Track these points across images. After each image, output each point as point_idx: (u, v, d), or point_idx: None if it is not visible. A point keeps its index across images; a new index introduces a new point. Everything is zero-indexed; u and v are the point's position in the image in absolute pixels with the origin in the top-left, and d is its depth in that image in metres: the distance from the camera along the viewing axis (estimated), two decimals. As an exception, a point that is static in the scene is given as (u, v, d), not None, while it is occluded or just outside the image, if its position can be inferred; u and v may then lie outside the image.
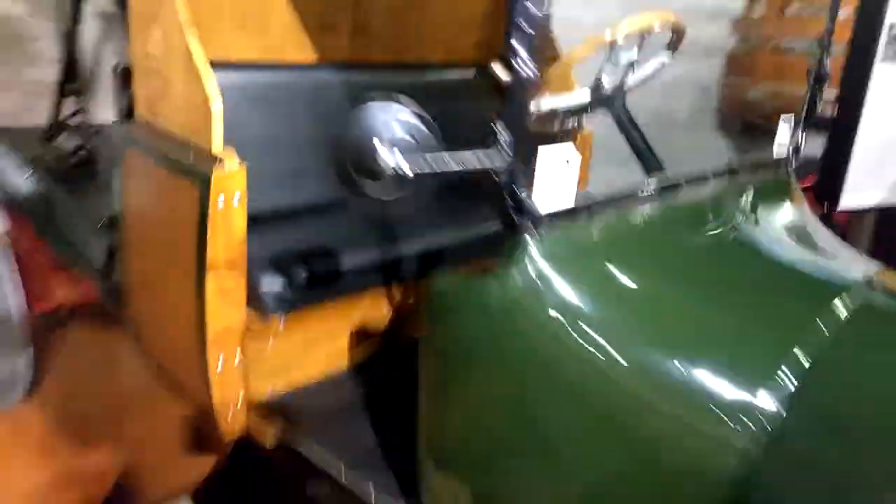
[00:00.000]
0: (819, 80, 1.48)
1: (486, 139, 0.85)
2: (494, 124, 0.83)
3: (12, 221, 2.51)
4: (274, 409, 1.44)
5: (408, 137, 0.90)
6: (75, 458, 2.29)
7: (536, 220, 0.90)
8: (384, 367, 1.61)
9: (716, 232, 1.15)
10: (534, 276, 0.91)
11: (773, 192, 1.38)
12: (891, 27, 2.38)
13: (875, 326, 0.98)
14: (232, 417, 1.41)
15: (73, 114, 2.48)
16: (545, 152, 0.87)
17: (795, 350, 0.89)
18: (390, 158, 0.83)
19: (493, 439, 1.00)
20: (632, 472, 0.92)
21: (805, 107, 1.49)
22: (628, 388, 0.90)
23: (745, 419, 0.87)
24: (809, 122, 1.51)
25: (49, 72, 3.72)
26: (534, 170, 0.87)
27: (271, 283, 1.39)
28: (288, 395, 1.49)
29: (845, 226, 2.90)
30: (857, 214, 2.78)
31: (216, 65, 1.28)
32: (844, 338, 0.92)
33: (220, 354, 1.36)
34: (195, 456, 1.66)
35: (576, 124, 1.93)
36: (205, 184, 1.24)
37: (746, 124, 4.61)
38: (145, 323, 1.62)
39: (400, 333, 1.66)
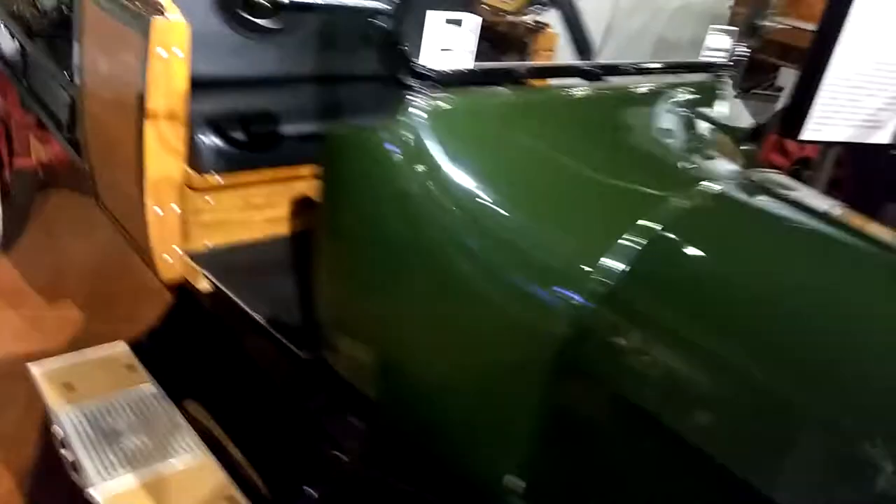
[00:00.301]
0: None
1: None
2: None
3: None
4: (209, 261, 1.55)
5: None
6: (43, 307, 2.44)
7: (421, 77, 0.96)
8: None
9: (615, 119, 1.22)
10: (409, 133, 0.98)
11: (696, 93, 1.43)
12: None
13: (723, 213, 1.07)
14: (168, 262, 1.52)
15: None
16: (433, 15, 0.93)
17: (640, 223, 0.97)
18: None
19: (368, 288, 1.10)
20: (477, 326, 1.02)
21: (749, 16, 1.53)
22: (478, 247, 0.99)
23: (580, 281, 0.96)
24: (749, 34, 1.55)
25: None
26: (422, 29, 0.93)
27: (210, 141, 1.47)
28: (225, 251, 1.60)
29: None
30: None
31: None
32: (691, 218, 1.00)
33: (158, 201, 1.45)
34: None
35: (540, 24, 1.95)
36: (147, 32, 1.30)
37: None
38: (100, 176, 1.71)
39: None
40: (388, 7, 0.93)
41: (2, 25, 2.28)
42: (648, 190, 1.06)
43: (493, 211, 1.00)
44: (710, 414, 0.90)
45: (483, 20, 0.97)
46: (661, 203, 1.01)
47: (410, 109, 0.97)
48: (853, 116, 2.65)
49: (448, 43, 0.96)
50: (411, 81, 0.96)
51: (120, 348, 1.63)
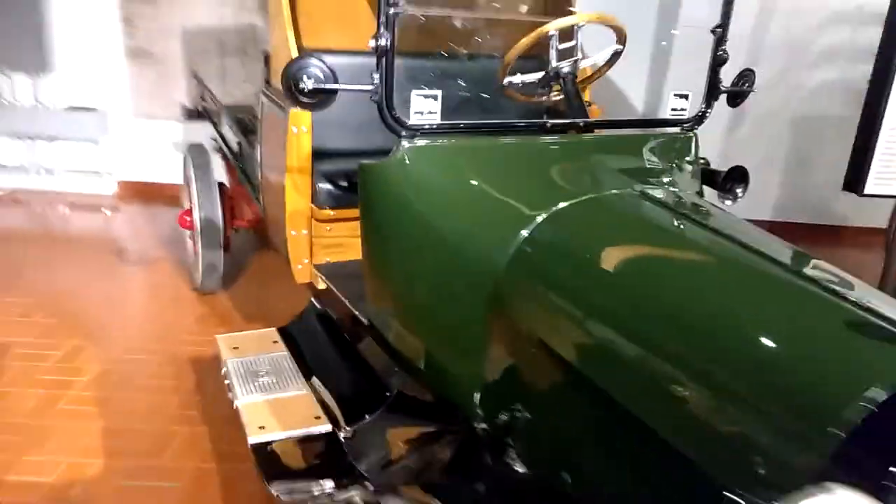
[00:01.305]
0: (717, 63, 1.96)
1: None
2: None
3: (227, 167, 3.73)
4: (326, 270, 2.29)
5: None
6: (244, 325, 3.38)
7: (407, 129, 1.62)
8: None
9: (582, 157, 1.76)
10: (402, 168, 1.63)
11: (661, 145, 1.91)
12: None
13: (607, 205, 1.56)
14: (299, 270, 2.29)
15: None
16: (418, 94, 1.60)
17: (537, 217, 1.52)
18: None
19: (385, 257, 1.75)
20: (448, 276, 1.62)
21: (707, 84, 1.98)
22: (444, 227, 1.60)
23: (501, 250, 1.52)
24: (711, 96, 1.99)
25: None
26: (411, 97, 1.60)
27: (324, 188, 2.24)
28: (338, 264, 2.34)
29: None
30: None
31: (315, 51, 2.15)
32: (564, 211, 1.52)
33: (294, 228, 2.24)
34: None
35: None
36: (287, 118, 2.12)
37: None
38: (268, 219, 2.57)
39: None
40: (374, 88, 1.60)
41: (227, 126, 3.37)
42: (557, 198, 1.60)
43: (451, 204, 1.62)
44: (571, 333, 1.40)
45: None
46: (553, 206, 1.55)
47: (401, 148, 1.63)
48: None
49: (423, 108, 1.62)
50: (403, 132, 1.63)
51: (271, 331, 2.42)
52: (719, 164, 2.09)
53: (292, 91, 1.57)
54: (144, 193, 5.30)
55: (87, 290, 3.74)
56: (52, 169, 5.27)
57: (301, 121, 2.13)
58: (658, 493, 1.20)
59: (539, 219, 1.52)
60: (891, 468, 0.90)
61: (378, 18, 1.53)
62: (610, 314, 1.32)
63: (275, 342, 2.37)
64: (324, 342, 2.32)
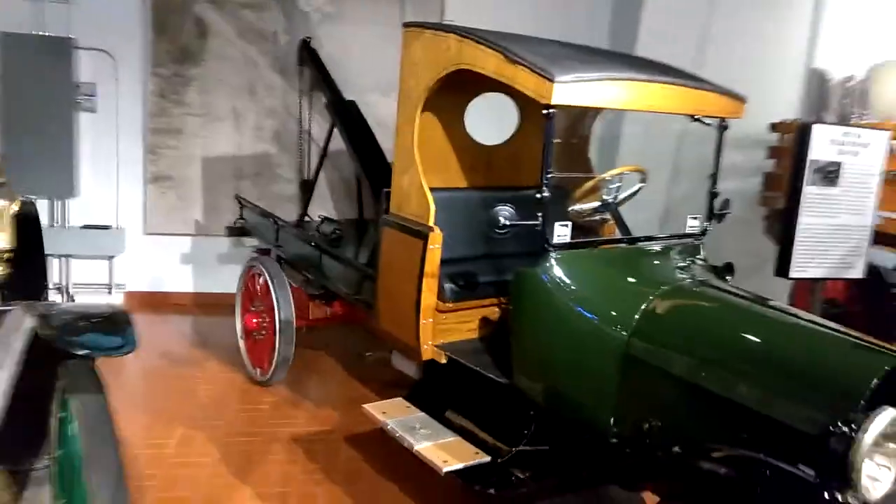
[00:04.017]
0: (712, 197, 3.05)
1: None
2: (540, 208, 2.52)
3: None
4: (445, 348, 3.09)
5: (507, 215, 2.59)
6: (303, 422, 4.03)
7: (553, 245, 2.54)
8: (497, 336, 3.24)
9: (646, 259, 2.75)
10: (548, 268, 2.54)
11: (684, 248, 2.94)
12: (811, 163, 3.86)
13: (677, 293, 2.54)
14: (426, 348, 3.07)
15: (322, 219, 4.43)
16: (559, 224, 2.54)
17: (653, 293, 2.47)
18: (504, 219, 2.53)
19: (538, 352, 2.62)
20: (581, 359, 2.51)
21: (707, 210, 3.07)
22: (583, 317, 2.51)
23: (624, 325, 2.44)
24: (710, 218, 3.07)
25: (286, 187, 5.91)
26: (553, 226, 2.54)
27: (448, 287, 3.09)
28: (451, 345, 3.14)
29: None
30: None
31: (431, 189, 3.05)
32: (662, 296, 2.48)
33: (425, 317, 3.04)
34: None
35: (605, 219, 3.55)
36: (426, 238, 2.97)
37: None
38: (383, 310, 3.34)
39: (504, 320, 3.30)
40: (539, 222, 2.54)
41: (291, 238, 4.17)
42: (650, 289, 2.55)
43: (583, 295, 2.53)
44: (690, 363, 2.31)
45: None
46: (654, 292, 2.50)
47: (550, 259, 2.55)
48: (826, 261, 4.02)
49: (562, 232, 2.56)
50: (549, 247, 2.55)
51: (399, 399, 3.16)
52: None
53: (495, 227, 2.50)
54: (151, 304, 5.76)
55: (163, 387, 4.25)
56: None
57: (436, 238, 2.97)
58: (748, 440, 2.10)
59: (649, 299, 2.46)
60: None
61: (541, 182, 2.50)
62: (710, 348, 2.26)
63: (408, 407, 3.12)
64: (445, 404, 3.10)
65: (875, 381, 1.90)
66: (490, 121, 3.83)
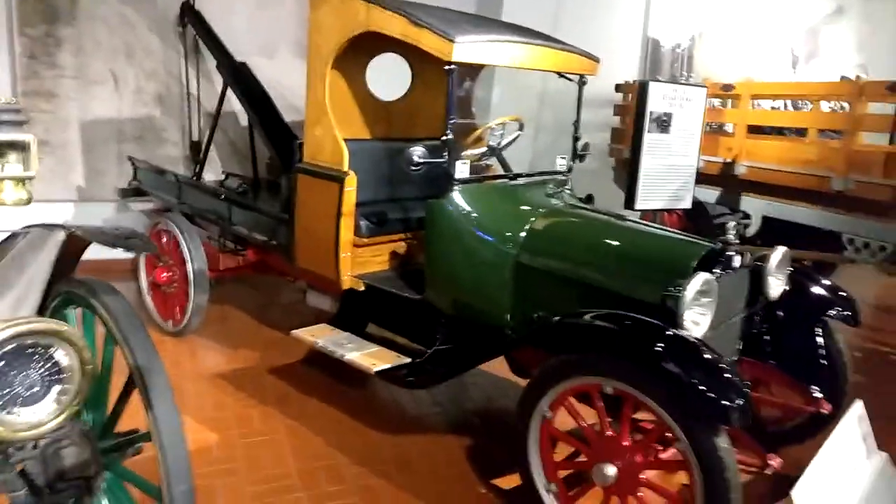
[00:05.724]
0: (575, 139, 3.73)
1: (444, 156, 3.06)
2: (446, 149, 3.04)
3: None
4: (363, 277, 3.56)
5: (420, 153, 3.09)
6: (225, 363, 4.36)
7: (456, 180, 3.08)
8: (405, 265, 3.75)
9: (527, 191, 3.37)
10: (453, 199, 3.09)
11: (555, 182, 3.59)
12: (650, 113, 4.68)
13: (560, 212, 3.19)
14: (346, 279, 3.53)
15: (226, 175, 4.69)
16: (459, 162, 3.07)
17: (534, 216, 3.09)
18: (418, 157, 3.03)
19: (447, 269, 3.17)
20: (482, 271, 3.09)
21: (572, 151, 3.74)
22: (481, 235, 3.09)
23: (514, 241, 3.05)
24: (574, 157, 3.75)
25: (172, 149, 6.02)
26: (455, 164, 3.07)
27: (364, 223, 3.55)
28: (367, 275, 3.61)
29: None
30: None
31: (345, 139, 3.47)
32: (540, 218, 3.12)
33: (344, 251, 3.48)
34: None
35: (488, 164, 4.14)
36: (342, 182, 3.40)
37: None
38: (300, 253, 3.73)
39: (417, 252, 3.81)
40: (445, 159, 3.05)
41: (198, 194, 4.42)
42: (532, 212, 3.17)
43: (482, 220, 3.10)
44: (566, 262, 2.96)
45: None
46: (535, 214, 3.13)
47: (454, 190, 3.09)
48: (663, 195, 4.90)
49: (463, 169, 3.10)
50: (453, 181, 3.09)
51: (323, 325, 3.61)
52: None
53: (410, 165, 2.97)
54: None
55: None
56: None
57: (352, 183, 3.40)
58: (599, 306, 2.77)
59: (531, 220, 3.07)
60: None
61: (446, 126, 3.01)
62: (580, 251, 2.92)
63: (332, 329, 3.57)
64: (364, 326, 3.59)
65: (695, 262, 2.64)
66: (387, 79, 4.30)
